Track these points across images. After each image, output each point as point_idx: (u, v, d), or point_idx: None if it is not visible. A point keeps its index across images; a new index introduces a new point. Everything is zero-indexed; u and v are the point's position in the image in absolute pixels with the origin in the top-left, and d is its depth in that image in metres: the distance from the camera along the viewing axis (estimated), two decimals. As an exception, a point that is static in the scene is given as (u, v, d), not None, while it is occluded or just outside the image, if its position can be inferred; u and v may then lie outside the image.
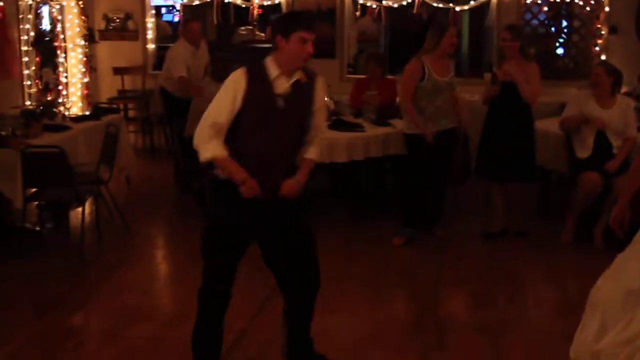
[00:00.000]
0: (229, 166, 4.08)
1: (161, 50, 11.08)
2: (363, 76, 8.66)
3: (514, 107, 6.94)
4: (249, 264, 6.36)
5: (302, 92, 4.19)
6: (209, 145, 4.07)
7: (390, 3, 10.93)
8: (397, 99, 7.73)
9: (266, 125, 4.10)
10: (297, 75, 4.14)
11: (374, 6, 11.37)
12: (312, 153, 4.35)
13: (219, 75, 7.97)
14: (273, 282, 5.88)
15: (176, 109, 8.60)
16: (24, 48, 9.09)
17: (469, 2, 10.86)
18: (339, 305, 5.63)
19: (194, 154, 4.16)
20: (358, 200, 8.20)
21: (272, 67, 4.11)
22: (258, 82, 4.08)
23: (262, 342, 5.03)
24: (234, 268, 4.33)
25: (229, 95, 4.07)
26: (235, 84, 4.07)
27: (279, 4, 11.40)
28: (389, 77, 8.64)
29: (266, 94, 4.09)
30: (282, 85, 4.11)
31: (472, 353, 4.96)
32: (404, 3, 10.88)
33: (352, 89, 8.52)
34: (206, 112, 4.12)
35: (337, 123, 7.69)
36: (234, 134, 4.11)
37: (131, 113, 11.06)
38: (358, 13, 11.47)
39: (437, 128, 6.76)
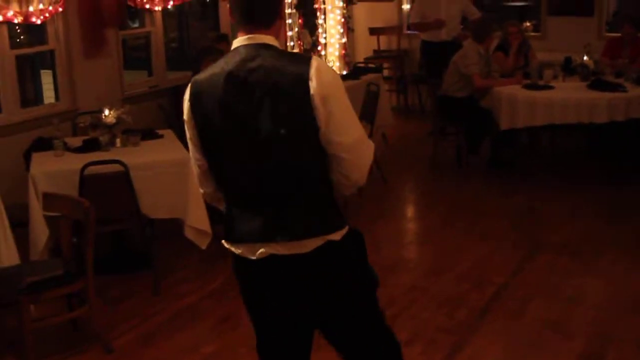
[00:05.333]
0: None
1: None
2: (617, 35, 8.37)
3: None
4: (508, 221, 6.53)
5: None
6: None
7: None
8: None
9: None
10: None
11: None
12: None
13: (479, 36, 8.03)
14: (531, 241, 6.04)
15: (434, 66, 8.79)
16: (288, 11, 9.56)
17: None
18: (596, 270, 5.61)
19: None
20: (617, 162, 7.99)
21: None
22: None
23: (521, 298, 5.11)
24: None
25: None
26: None
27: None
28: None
29: None
30: None
31: None
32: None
33: (604, 50, 8.30)
34: None
35: (596, 83, 7.50)
36: None
37: (386, 72, 11.28)
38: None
39: None
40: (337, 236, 2.73)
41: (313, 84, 2.62)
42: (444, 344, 4.50)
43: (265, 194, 2.70)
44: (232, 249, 2.82)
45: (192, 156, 2.86)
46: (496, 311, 4.91)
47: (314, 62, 2.66)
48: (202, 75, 2.76)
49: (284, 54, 2.80)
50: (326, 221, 2.73)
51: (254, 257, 2.73)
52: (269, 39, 2.74)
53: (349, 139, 2.70)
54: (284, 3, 2.71)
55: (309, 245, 2.69)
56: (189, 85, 2.77)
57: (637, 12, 9.44)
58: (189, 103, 2.75)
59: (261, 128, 2.64)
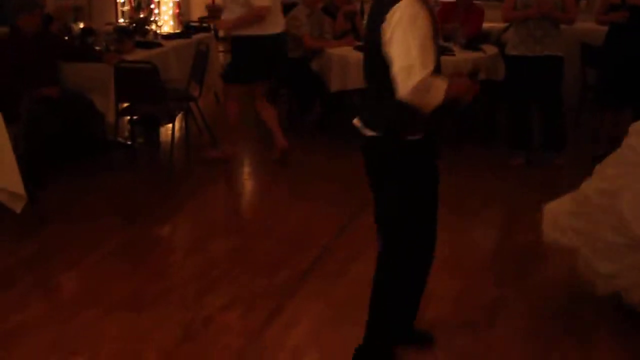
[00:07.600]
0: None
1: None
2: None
3: None
4: (337, 184, 6.53)
5: None
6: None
7: None
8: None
9: None
10: None
11: None
12: None
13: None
14: (358, 202, 6.01)
15: None
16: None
17: None
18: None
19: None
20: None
21: None
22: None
23: (343, 258, 5.10)
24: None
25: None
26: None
27: None
28: (477, 3, 8.38)
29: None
30: None
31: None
32: None
33: (437, 13, 8.41)
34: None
35: (426, 46, 7.61)
36: None
37: (221, 33, 11.08)
38: None
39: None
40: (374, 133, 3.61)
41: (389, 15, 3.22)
42: (263, 307, 4.41)
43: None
44: None
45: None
46: (317, 273, 4.88)
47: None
48: None
49: None
50: (379, 120, 3.55)
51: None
52: None
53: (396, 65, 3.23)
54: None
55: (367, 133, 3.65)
56: None
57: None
58: None
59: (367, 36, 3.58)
